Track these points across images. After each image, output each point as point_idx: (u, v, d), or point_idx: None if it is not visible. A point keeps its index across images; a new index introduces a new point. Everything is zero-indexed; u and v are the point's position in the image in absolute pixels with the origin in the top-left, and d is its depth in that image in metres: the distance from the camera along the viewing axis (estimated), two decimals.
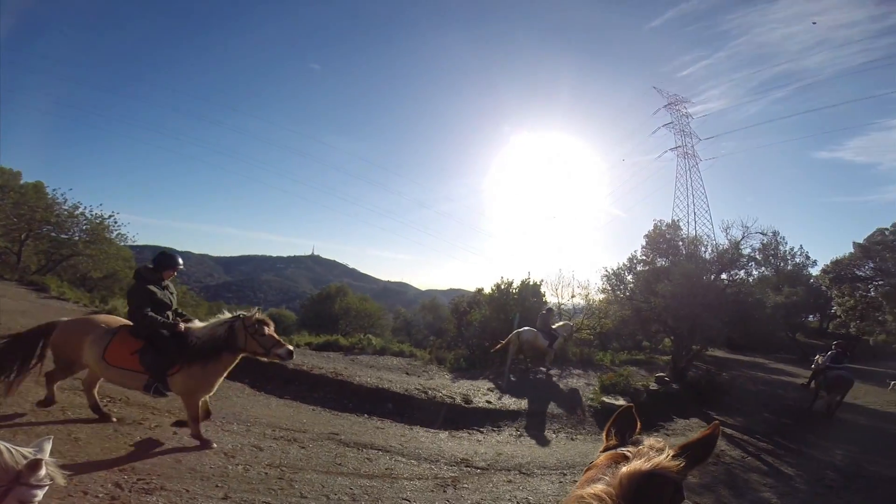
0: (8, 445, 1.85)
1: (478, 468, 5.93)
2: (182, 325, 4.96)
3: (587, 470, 1.16)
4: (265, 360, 5.17)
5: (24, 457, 1.85)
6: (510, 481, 5.52)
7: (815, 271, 22.90)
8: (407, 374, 10.80)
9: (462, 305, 15.19)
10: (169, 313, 5.08)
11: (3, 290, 11.21)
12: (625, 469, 1.03)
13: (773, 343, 20.97)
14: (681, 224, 17.09)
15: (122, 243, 18.29)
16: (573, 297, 18.35)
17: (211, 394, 5.12)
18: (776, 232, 24.91)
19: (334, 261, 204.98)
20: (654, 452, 1.10)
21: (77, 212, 16.51)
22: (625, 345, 16.71)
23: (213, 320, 5.05)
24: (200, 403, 4.97)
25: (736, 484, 6.26)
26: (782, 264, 25.13)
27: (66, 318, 5.02)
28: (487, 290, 15.02)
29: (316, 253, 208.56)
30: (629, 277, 14.83)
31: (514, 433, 7.83)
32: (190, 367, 4.74)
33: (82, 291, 15.42)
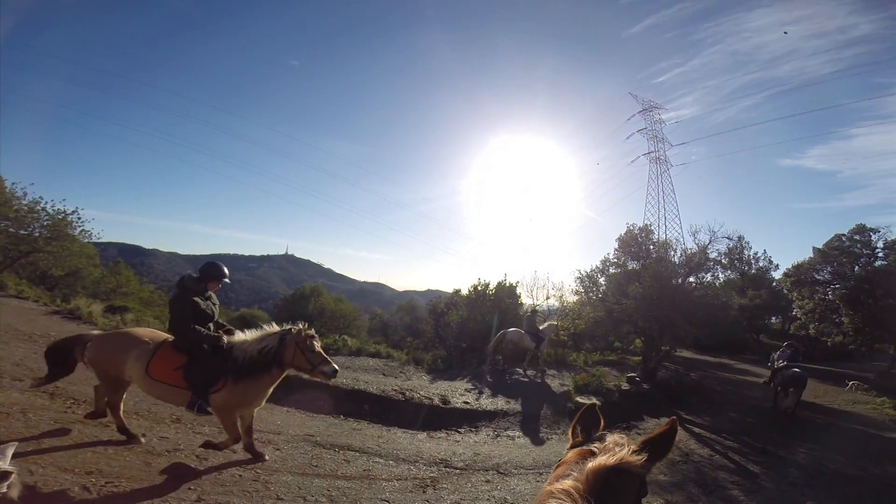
0: None
1: (456, 468, 5.94)
2: (226, 339, 4.75)
3: (557, 467, 1.20)
4: (307, 376, 5.00)
5: None
6: (488, 481, 5.55)
7: (777, 275, 23.82)
8: (384, 375, 10.73)
9: (440, 306, 15.23)
10: (211, 325, 4.89)
11: None
12: (590, 464, 1.06)
13: (738, 344, 21.75)
14: (652, 228, 17.55)
15: (86, 240, 17.55)
16: (548, 298, 18.67)
17: (258, 409, 4.93)
18: (741, 236, 25.87)
19: (309, 260, 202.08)
20: (617, 448, 1.14)
21: (38, 207, 15.77)
22: (597, 346, 17.04)
23: (259, 333, 4.81)
24: (244, 417, 4.81)
25: (705, 482, 6.42)
26: (747, 268, 26.08)
27: (99, 332, 4.81)
28: (465, 292, 15.11)
29: (290, 252, 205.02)
30: (602, 280, 15.14)
31: (492, 433, 7.87)
32: (235, 384, 4.55)
33: (42, 290, 14.75)
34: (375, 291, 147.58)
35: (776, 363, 11.23)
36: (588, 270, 15.10)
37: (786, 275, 18.64)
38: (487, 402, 9.21)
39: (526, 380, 11.41)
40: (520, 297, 15.92)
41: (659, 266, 13.26)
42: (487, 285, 14.76)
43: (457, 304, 14.84)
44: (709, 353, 20.05)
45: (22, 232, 15.80)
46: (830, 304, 16.22)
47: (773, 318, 26.40)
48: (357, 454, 5.90)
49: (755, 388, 13.14)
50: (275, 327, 4.86)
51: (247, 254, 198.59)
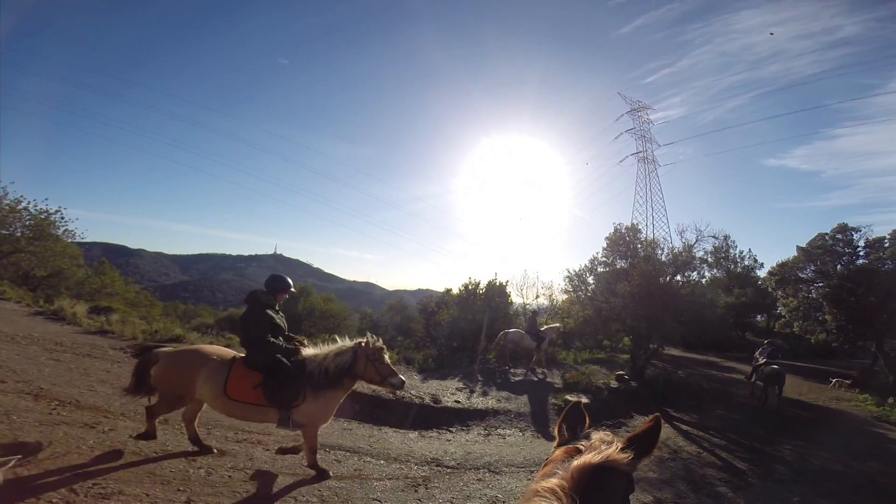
0: None
1: (448, 467, 5.94)
2: (303, 351, 4.78)
3: (545, 465, 1.20)
4: (375, 387, 5.10)
5: None
6: (480, 480, 5.56)
7: (762, 273, 24.26)
8: None
9: (430, 306, 15.22)
10: (282, 338, 4.86)
11: None
12: (576, 462, 1.06)
13: (724, 342, 22.06)
14: (640, 227, 17.70)
15: (70, 240, 17.28)
16: (537, 297, 18.77)
17: (327, 423, 4.91)
18: (727, 235, 26.32)
19: (298, 260, 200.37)
20: (604, 446, 1.14)
21: (20, 206, 15.47)
22: (587, 344, 17.16)
23: (334, 347, 4.83)
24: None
25: (693, 479, 6.49)
26: (733, 266, 26.52)
27: (166, 349, 4.70)
28: (455, 291, 15.13)
29: (279, 252, 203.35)
30: (590, 278, 15.28)
31: (483, 432, 7.89)
32: (314, 398, 4.57)
33: (25, 290, 14.47)
34: (365, 291, 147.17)
35: (758, 359, 11.72)
36: (577, 269, 15.23)
37: (770, 273, 18.92)
38: (478, 401, 9.23)
39: (536, 379, 11.46)
40: (510, 296, 16.00)
41: (647, 265, 13.40)
42: (478, 284, 14.81)
43: (447, 304, 14.85)
44: (696, 350, 20.31)
45: (3, 232, 15.52)
46: (814, 303, 16.49)
47: (759, 316, 26.84)
48: (348, 454, 5.87)
49: (741, 385, 13.34)
50: (348, 341, 4.87)
51: (235, 253, 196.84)
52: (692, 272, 13.99)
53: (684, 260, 13.41)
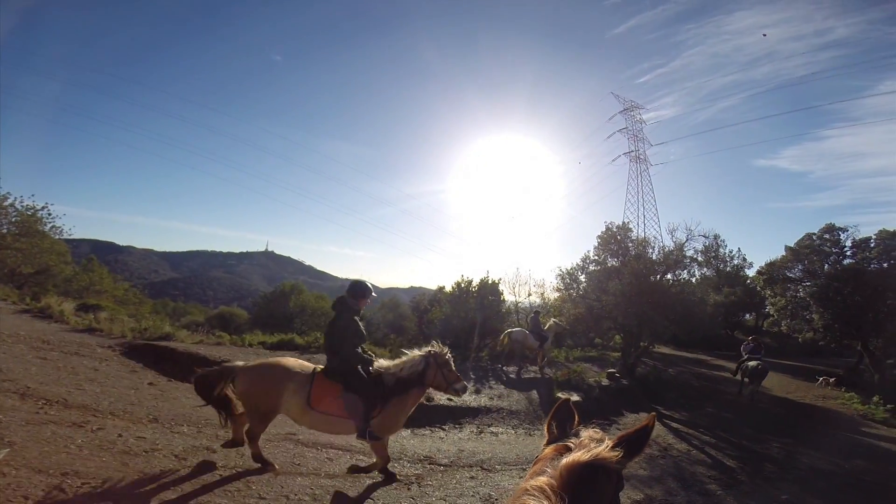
0: None
1: (441, 465, 5.94)
2: (379, 362, 4.87)
3: (535, 463, 1.19)
4: (441, 392, 5.17)
5: None
6: (473, 477, 5.57)
7: (751, 272, 24.55)
8: None
9: (423, 303, 15.22)
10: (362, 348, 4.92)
11: None
12: (564, 461, 1.06)
13: (714, 340, 22.30)
14: (631, 226, 17.85)
15: (57, 237, 17.04)
16: (529, 295, 18.81)
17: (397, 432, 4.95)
18: (717, 235, 26.61)
19: (289, 257, 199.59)
20: (594, 444, 1.14)
21: (5, 203, 15.22)
22: (578, 342, 17.27)
23: (405, 358, 4.91)
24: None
25: (683, 476, 6.54)
26: (722, 265, 26.79)
27: (245, 364, 4.66)
28: (448, 289, 15.12)
29: (270, 249, 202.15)
30: (582, 277, 15.36)
31: (476, 430, 7.90)
32: (387, 408, 4.63)
33: (10, 288, 14.25)
34: None
35: (743, 356, 12.22)
36: (569, 268, 15.30)
37: (759, 272, 19.11)
38: (471, 399, 9.23)
39: (539, 377, 11.51)
40: (502, 294, 16.01)
41: (638, 263, 13.50)
42: (470, 282, 14.82)
43: (440, 301, 14.85)
44: (686, 348, 20.51)
45: None
46: (801, 302, 16.68)
47: (748, 314, 27.16)
48: (340, 452, 5.85)
49: (730, 383, 13.49)
50: (418, 351, 4.95)
51: (226, 251, 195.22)
52: (682, 271, 14.15)
53: (675, 259, 13.54)
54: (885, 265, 14.87)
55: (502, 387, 10.38)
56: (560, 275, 15.38)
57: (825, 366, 17.99)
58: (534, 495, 0.99)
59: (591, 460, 1.05)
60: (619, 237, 14.99)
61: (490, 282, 15.23)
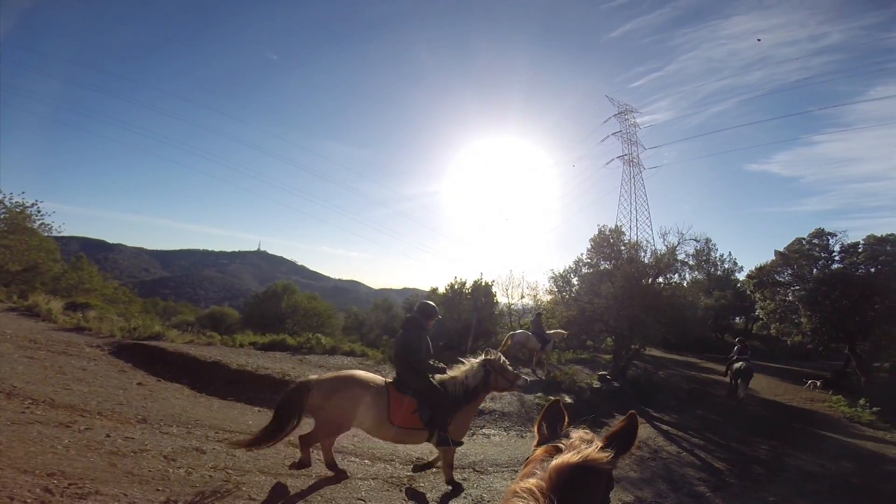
0: None
1: (435, 467, 5.94)
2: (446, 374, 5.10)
3: (525, 464, 1.19)
4: (504, 392, 5.67)
5: None
6: (465, 479, 5.56)
7: (741, 276, 24.77)
8: None
9: (416, 305, 15.17)
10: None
11: None
12: (554, 462, 1.05)
13: (704, 343, 22.48)
14: (624, 229, 17.97)
15: (46, 234, 16.82)
16: (522, 297, 18.86)
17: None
18: (708, 239, 26.71)
19: (282, 257, 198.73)
20: (584, 445, 1.13)
21: None
22: (570, 344, 17.32)
23: (466, 367, 5.16)
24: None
25: (673, 478, 6.59)
26: (713, 269, 26.99)
27: (318, 377, 4.72)
28: (442, 290, 15.12)
29: (262, 249, 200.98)
30: (575, 279, 15.43)
31: (468, 432, 7.90)
32: (458, 415, 4.91)
33: None
34: (351, 289, 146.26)
35: (732, 357, 12.67)
36: (562, 270, 15.37)
37: (749, 276, 19.32)
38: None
39: (535, 378, 11.51)
40: (495, 296, 16.04)
41: (630, 267, 13.59)
42: (464, 284, 14.83)
43: (434, 302, 14.84)
44: (676, 351, 20.66)
45: None
46: (790, 306, 16.87)
47: (737, 318, 27.39)
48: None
49: (720, 385, 13.62)
50: (475, 359, 5.26)
51: (217, 250, 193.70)
52: (674, 274, 14.27)
53: (666, 262, 13.64)
54: (873, 270, 15.08)
55: None
56: (553, 277, 15.45)
57: (813, 369, 18.21)
58: (523, 497, 0.98)
59: (580, 462, 1.04)
60: (611, 240, 15.08)
61: (483, 283, 15.26)
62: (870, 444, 9.26)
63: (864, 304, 14.31)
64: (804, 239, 16.90)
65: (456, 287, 14.68)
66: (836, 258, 16.16)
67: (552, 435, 1.27)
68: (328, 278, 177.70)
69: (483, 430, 8.04)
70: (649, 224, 36.13)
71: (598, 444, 1.14)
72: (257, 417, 7.28)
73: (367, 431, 4.80)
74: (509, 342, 12.02)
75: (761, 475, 7.00)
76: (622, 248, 14.99)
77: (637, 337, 13.24)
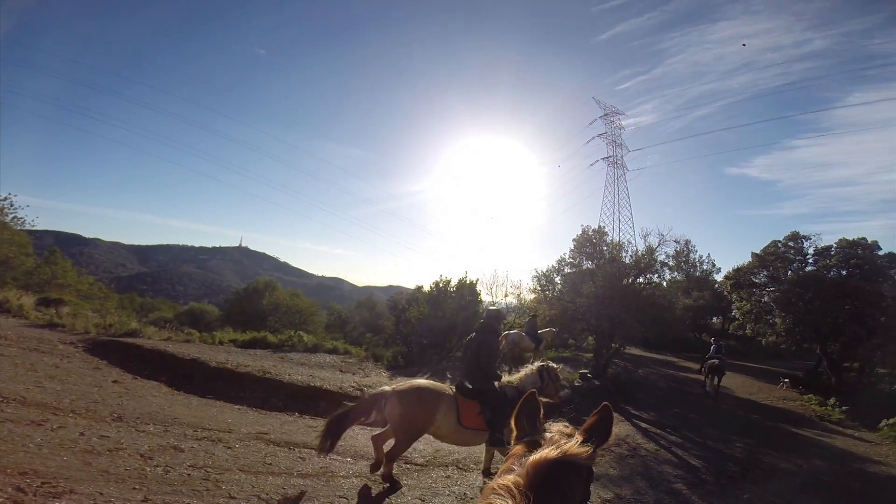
0: None
1: (416, 464, 5.94)
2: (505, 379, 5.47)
3: (506, 460, 1.17)
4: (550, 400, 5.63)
5: None
6: (448, 476, 5.57)
7: (719, 277, 25.29)
8: (341, 371, 10.58)
9: (401, 302, 15.12)
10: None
11: None
12: (532, 458, 1.04)
13: (682, 342, 22.91)
14: (606, 230, 18.23)
15: (19, 228, 16.31)
16: (506, 296, 18.97)
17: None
18: (688, 240, 27.12)
19: (264, 253, 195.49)
20: (564, 439, 1.12)
21: None
22: (552, 343, 17.49)
23: (524, 372, 5.65)
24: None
25: (651, 476, 6.70)
26: (692, 270, 27.45)
27: (393, 389, 4.91)
28: (427, 288, 15.10)
29: (244, 244, 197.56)
30: (557, 279, 15.56)
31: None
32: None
33: None
34: (334, 286, 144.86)
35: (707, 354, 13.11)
36: (545, 269, 15.48)
37: (726, 277, 19.72)
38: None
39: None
40: (480, 294, 16.09)
41: (611, 267, 13.77)
42: (449, 282, 14.83)
43: (418, 301, 14.80)
44: (656, 350, 21.00)
45: None
46: (765, 306, 17.28)
47: (715, 318, 27.96)
48: (313, 452, 5.76)
49: (697, 384, 13.90)
50: (533, 365, 5.81)
51: (197, 245, 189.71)
52: (654, 275, 14.51)
53: (646, 263, 13.87)
54: (844, 273, 15.58)
55: None
56: (536, 276, 15.57)
57: (787, 368, 18.70)
58: (500, 494, 0.97)
59: (559, 457, 1.03)
60: (594, 240, 15.24)
61: (468, 282, 15.29)
62: (839, 442, 9.55)
63: (835, 306, 14.75)
64: (780, 241, 17.34)
65: (441, 285, 14.68)
66: (810, 261, 16.64)
67: (532, 429, 1.25)
68: (311, 275, 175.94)
69: None
70: (631, 225, 36.74)
71: (579, 438, 1.13)
72: (237, 415, 7.19)
73: (439, 436, 5.02)
74: (504, 343, 12.13)
75: (735, 473, 7.15)
76: (604, 248, 15.17)
77: (617, 336, 13.42)
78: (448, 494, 5.03)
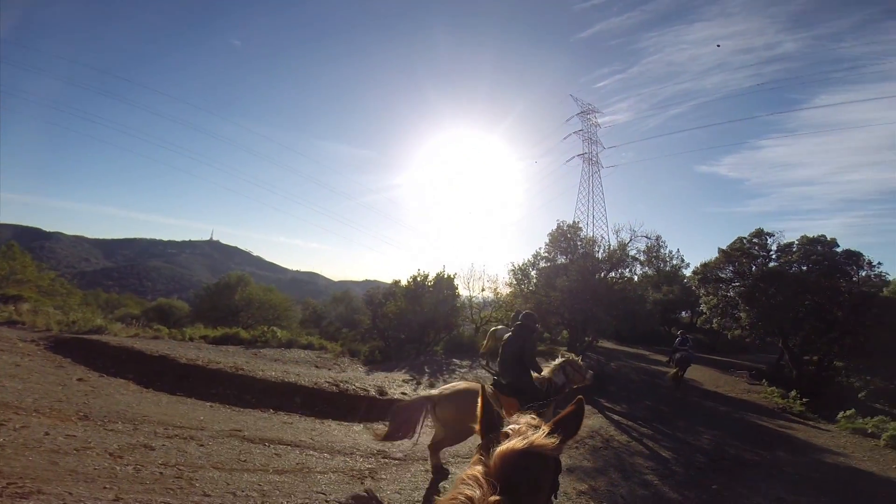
0: None
1: (395, 459, 5.94)
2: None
3: (476, 451, 1.17)
4: (580, 385, 6.24)
5: None
6: (427, 471, 5.57)
7: (688, 272, 25.95)
8: (316, 367, 10.48)
9: (378, 297, 15.03)
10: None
11: None
12: (499, 448, 1.06)
13: (653, 336, 23.51)
14: (581, 225, 18.46)
15: None
16: (483, 290, 19.07)
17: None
18: (659, 236, 27.74)
19: (236, 247, 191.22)
20: (531, 431, 1.14)
21: None
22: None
23: (552, 367, 6.17)
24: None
25: (624, 468, 6.85)
26: (662, 265, 28.04)
27: (439, 393, 5.21)
28: (404, 283, 15.05)
29: (215, 238, 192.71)
30: (533, 273, 15.77)
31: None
32: (547, 408, 5.48)
33: None
34: (309, 281, 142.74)
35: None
36: (521, 264, 15.65)
37: (694, 272, 20.26)
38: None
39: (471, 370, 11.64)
40: (457, 288, 16.14)
41: (584, 261, 14.03)
42: (427, 276, 14.82)
43: (396, 295, 14.73)
44: (628, 344, 21.49)
45: None
46: (731, 301, 17.85)
47: (683, 312, 28.71)
48: (289, 448, 5.73)
49: (666, 377, 14.30)
50: (557, 360, 6.30)
51: (166, 239, 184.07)
52: (625, 269, 14.84)
53: (618, 258, 14.17)
54: (805, 268, 16.25)
55: (456, 380, 10.47)
56: (512, 270, 15.73)
57: (751, 362, 19.40)
58: (469, 485, 0.99)
59: (526, 447, 1.05)
60: (568, 235, 15.49)
61: (446, 276, 15.31)
62: (800, 433, 9.93)
63: (796, 301, 15.36)
64: (745, 238, 17.92)
65: (419, 280, 14.66)
66: (773, 257, 17.26)
67: (498, 420, 1.25)
68: (286, 270, 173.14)
69: None
70: (605, 220, 37.33)
71: (546, 429, 1.15)
72: (209, 412, 7.05)
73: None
74: (492, 340, 12.19)
75: (704, 464, 7.35)
76: (578, 243, 15.43)
77: (590, 329, 13.71)
78: (427, 488, 5.06)
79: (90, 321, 10.40)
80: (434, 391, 5.27)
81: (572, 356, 6.33)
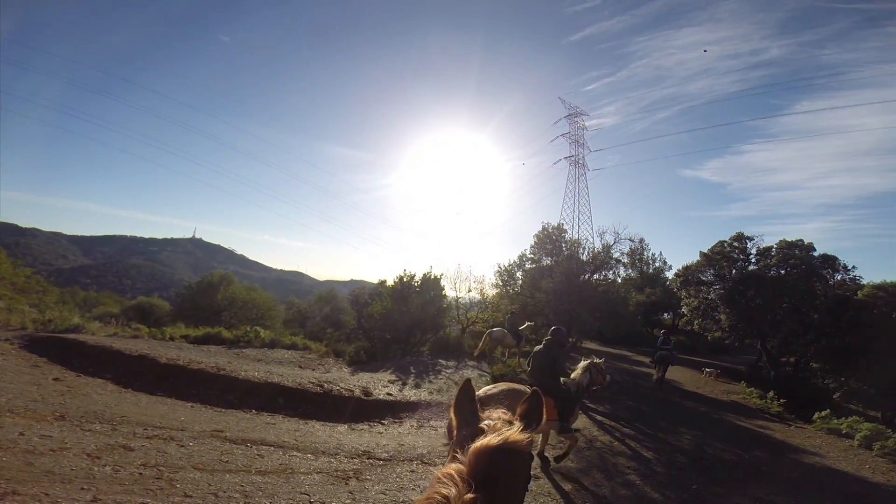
0: None
1: (380, 459, 5.90)
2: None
3: (451, 449, 1.18)
4: (602, 385, 7.14)
5: None
6: (413, 471, 5.57)
7: (670, 275, 26.37)
8: (300, 367, 10.38)
9: (363, 297, 14.93)
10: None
11: None
12: (474, 445, 1.06)
13: (636, 337, 23.80)
14: (566, 227, 18.69)
15: None
16: (469, 291, 19.11)
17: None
18: (643, 238, 28.21)
19: (219, 245, 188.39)
20: (505, 427, 1.15)
21: None
22: (531, 337, 17.76)
23: (578, 371, 6.76)
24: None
25: (607, 468, 6.89)
26: (645, 267, 28.54)
27: (484, 393, 5.27)
28: (390, 283, 14.97)
29: (198, 236, 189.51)
30: (519, 274, 15.89)
31: (415, 424, 7.92)
32: (576, 408, 6.53)
33: None
34: (294, 280, 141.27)
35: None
36: (507, 265, 15.74)
37: (676, 275, 20.58)
38: (411, 394, 9.24)
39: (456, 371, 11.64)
40: (444, 289, 16.13)
41: (569, 263, 14.18)
42: (413, 277, 14.76)
43: (382, 295, 14.65)
44: (611, 344, 21.66)
45: None
46: (711, 303, 18.18)
47: (665, 314, 29.10)
48: (272, 448, 5.66)
49: (648, 378, 14.47)
50: (583, 363, 6.86)
51: (147, 236, 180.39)
52: (609, 271, 15.05)
53: (602, 260, 14.35)
54: (783, 272, 16.62)
55: (442, 381, 10.48)
56: (498, 271, 15.83)
57: (730, 363, 19.71)
58: (444, 483, 0.99)
59: (500, 444, 1.06)
60: (554, 237, 15.64)
61: (433, 277, 15.27)
62: (778, 434, 10.13)
63: (774, 303, 15.71)
64: (726, 242, 18.26)
65: (405, 280, 14.59)
66: (753, 260, 17.62)
67: (473, 417, 1.25)
68: (270, 269, 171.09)
69: (431, 423, 8.09)
70: (590, 223, 37.63)
71: (519, 425, 1.15)
72: (190, 413, 6.94)
73: None
74: (488, 340, 12.27)
75: (685, 464, 7.44)
76: (563, 245, 15.59)
77: (574, 330, 13.84)
78: (412, 489, 5.04)
79: (67, 320, 10.15)
80: (479, 392, 5.24)
81: (595, 359, 6.98)
